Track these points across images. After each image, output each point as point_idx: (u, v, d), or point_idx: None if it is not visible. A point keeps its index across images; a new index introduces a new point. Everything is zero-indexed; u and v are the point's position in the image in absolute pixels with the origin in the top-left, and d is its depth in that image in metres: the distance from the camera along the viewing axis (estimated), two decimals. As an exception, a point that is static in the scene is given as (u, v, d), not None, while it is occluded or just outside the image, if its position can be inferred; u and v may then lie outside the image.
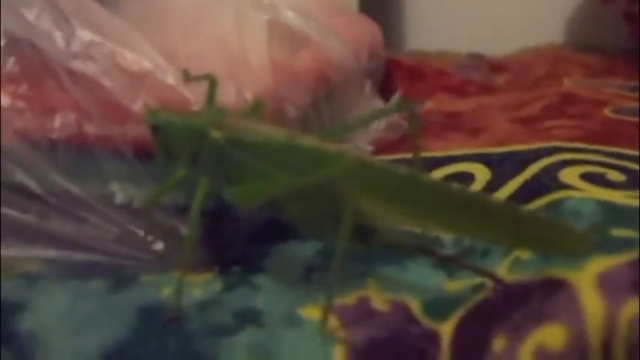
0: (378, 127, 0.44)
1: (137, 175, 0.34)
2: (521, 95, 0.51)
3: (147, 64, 0.34)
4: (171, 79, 0.34)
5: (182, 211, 0.33)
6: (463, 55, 0.65)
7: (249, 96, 0.35)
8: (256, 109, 0.33)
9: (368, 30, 0.49)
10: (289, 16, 0.41)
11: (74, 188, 0.34)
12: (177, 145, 0.31)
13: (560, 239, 0.28)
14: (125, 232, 0.34)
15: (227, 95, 0.34)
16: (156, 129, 0.32)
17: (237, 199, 0.31)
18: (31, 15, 0.35)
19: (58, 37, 0.34)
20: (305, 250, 0.35)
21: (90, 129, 0.34)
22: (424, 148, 0.44)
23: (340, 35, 0.44)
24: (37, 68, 0.34)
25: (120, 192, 0.34)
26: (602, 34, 0.65)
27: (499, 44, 0.65)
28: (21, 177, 0.35)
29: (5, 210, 0.35)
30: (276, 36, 0.38)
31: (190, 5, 0.39)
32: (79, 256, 0.34)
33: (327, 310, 0.29)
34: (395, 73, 0.56)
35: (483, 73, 0.60)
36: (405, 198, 0.29)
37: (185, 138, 0.31)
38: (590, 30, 0.67)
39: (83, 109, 0.34)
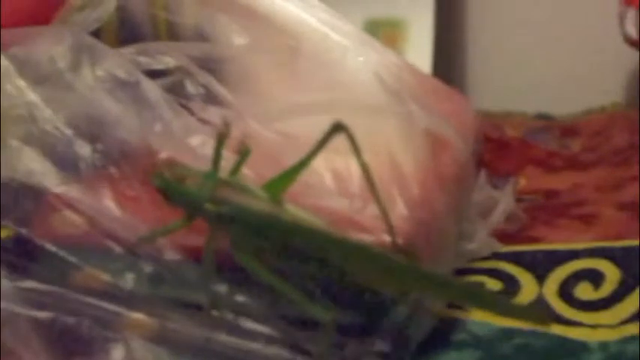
0: (498, 219, 0.45)
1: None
2: (612, 172, 0.53)
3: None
4: (342, 202, 0.35)
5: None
6: (529, 115, 0.66)
7: (403, 210, 0.36)
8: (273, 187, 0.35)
9: (469, 110, 0.50)
10: (419, 114, 0.41)
11: (242, 300, 0.35)
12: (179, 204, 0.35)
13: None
14: (296, 349, 0.35)
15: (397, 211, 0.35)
16: (161, 191, 0.35)
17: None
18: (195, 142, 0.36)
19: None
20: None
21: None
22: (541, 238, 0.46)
23: (454, 124, 0.45)
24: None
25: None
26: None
27: (562, 103, 0.67)
28: (188, 292, 0.36)
29: (172, 324, 0.36)
30: (419, 140, 0.39)
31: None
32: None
33: None
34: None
35: (555, 138, 0.62)
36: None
37: (183, 203, 0.35)
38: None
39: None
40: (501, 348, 0.37)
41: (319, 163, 0.35)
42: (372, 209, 0.35)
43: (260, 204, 0.34)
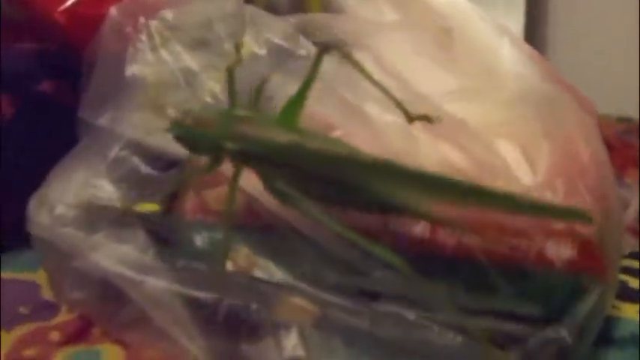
0: (631, 217, 0.44)
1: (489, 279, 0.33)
2: None
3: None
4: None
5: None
6: (612, 118, 0.65)
7: (588, 200, 0.34)
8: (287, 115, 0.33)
9: (591, 104, 0.48)
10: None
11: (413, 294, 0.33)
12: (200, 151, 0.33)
13: None
14: (469, 341, 0.33)
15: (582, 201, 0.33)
16: (180, 140, 0.33)
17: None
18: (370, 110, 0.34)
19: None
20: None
21: (444, 236, 0.33)
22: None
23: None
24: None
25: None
26: None
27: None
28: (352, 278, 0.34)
29: (334, 312, 0.34)
30: (593, 130, 0.38)
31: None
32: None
33: None
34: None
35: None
36: None
37: (205, 149, 0.33)
38: None
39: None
40: (665, 348, 0.36)
41: (506, 147, 0.33)
42: (556, 197, 0.33)
43: (282, 135, 0.32)
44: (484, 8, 0.42)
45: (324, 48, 0.33)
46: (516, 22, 0.67)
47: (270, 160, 0.32)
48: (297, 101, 0.33)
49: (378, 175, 0.32)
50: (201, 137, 0.32)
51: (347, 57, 0.33)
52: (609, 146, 0.58)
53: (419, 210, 0.32)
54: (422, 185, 0.31)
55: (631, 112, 0.68)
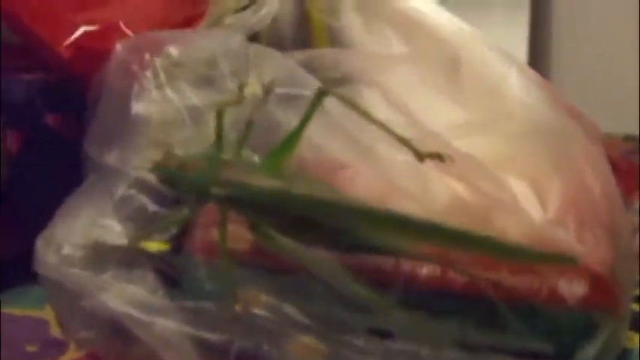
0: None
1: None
2: None
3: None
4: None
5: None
6: (617, 137, 0.65)
7: (599, 235, 0.34)
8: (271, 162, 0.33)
9: (598, 130, 0.48)
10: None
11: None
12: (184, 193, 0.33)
13: None
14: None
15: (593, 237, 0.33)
16: (164, 182, 0.33)
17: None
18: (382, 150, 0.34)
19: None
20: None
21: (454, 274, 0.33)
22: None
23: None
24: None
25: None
26: None
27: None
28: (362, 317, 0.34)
29: (343, 350, 0.33)
30: (602, 161, 0.38)
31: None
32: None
33: None
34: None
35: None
36: None
37: (189, 191, 0.33)
38: None
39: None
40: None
41: (516, 182, 0.33)
42: (568, 232, 0.33)
43: (267, 181, 0.32)
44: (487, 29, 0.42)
45: (320, 95, 0.33)
46: (520, 41, 0.67)
47: (256, 206, 0.32)
48: (286, 146, 0.33)
49: (365, 220, 0.32)
50: (185, 181, 0.33)
51: (346, 101, 0.32)
52: (615, 168, 0.57)
53: (411, 253, 0.32)
54: (408, 230, 0.32)
55: (633, 129, 0.68)
